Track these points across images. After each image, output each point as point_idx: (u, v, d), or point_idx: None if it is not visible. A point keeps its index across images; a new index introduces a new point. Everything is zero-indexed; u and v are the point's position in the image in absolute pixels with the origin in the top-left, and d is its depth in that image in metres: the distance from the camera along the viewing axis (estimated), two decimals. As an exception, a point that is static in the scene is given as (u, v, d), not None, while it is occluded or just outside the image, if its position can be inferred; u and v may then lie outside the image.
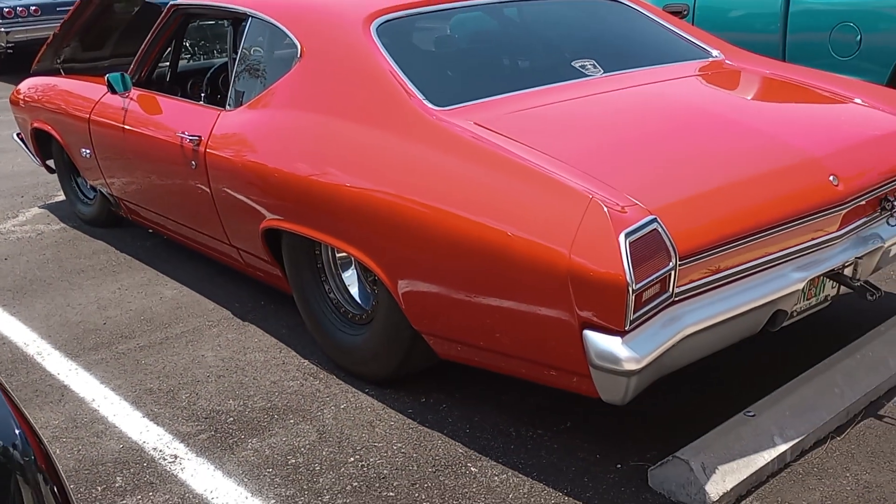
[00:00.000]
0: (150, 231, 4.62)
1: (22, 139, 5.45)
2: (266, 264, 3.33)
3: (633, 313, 2.08)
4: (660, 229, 2.16)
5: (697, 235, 2.25)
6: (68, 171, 5.13)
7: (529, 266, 2.21)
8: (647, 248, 2.11)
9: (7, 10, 10.65)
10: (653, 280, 2.11)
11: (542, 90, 2.87)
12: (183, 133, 3.49)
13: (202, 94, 4.07)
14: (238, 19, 3.60)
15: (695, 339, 2.28)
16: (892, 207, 2.72)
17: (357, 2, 3.18)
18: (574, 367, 2.24)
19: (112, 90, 3.96)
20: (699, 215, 2.31)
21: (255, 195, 3.14)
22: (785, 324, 2.60)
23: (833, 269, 2.57)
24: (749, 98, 3.15)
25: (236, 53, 3.53)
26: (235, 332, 3.52)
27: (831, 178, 2.53)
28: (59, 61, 5.23)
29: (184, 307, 3.81)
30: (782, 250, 2.46)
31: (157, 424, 2.86)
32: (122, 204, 4.46)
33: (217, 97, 4.02)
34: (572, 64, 3.07)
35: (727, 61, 3.40)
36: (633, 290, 2.04)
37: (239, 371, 3.19)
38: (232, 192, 3.27)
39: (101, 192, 4.66)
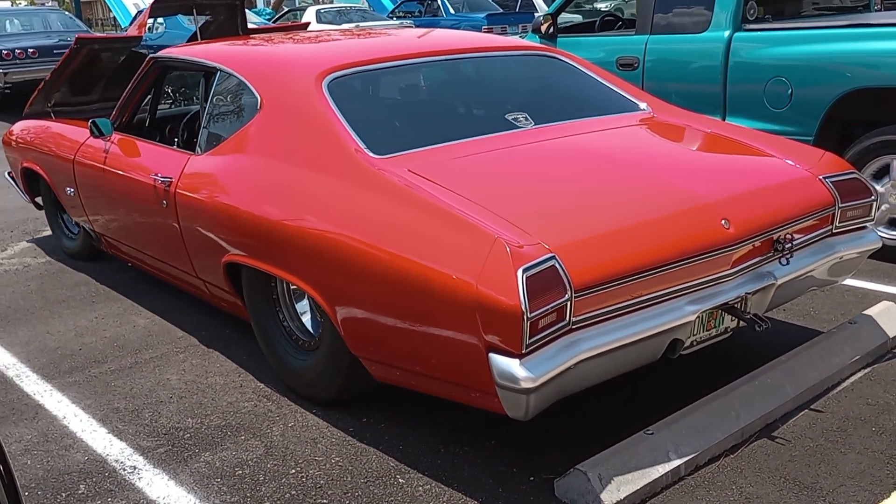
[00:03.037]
0: (130, 265, 4.92)
1: (12, 177, 5.79)
2: (228, 295, 3.63)
3: (529, 338, 2.37)
4: (557, 265, 2.46)
5: (594, 271, 2.55)
6: (54, 208, 5.45)
7: (445, 296, 2.51)
8: (543, 282, 2.41)
9: (6, 52, 11.08)
10: (548, 310, 2.40)
11: (474, 140, 3.20)
12: (156, 175, 3.81)
13: (179, 139, 4.40)
14: (209, 72, 3.95)
15: (593, 363, 2.57)
16: (784, 249, 3.03)
17: (312, 59, 3.54)
18: (485, 387, 2.52)
19: (94, 134, 4.29)
20: (598, 253, 2.61)
21: (218, 233, 3.44)
22: (685, 352, 2.89)
23: (726, 303, 2.87)
24: (662, 148, 3.48)
25: (206, 102, 3.87)
26: (200, 358, 3.80)
27: (723, 221, 2.85)
28: (49, 105, 5.58)
29: (154, 335, 4.10)
30: (677, 285, 2.76)
31: (121, 439, 3.14)
32: (102, 239, 4.77)
33: (190, 142, 4.35)
34: (505, 116, 3.40)
35: (653, 114, 3.74)
36: (527, 317, 2.34)
37: (199, 393, 3.47)
38: (198, 230, 3.58)
39: (83, 227, 4.97)
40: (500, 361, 2.41)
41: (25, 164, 5.34)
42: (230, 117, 3.71)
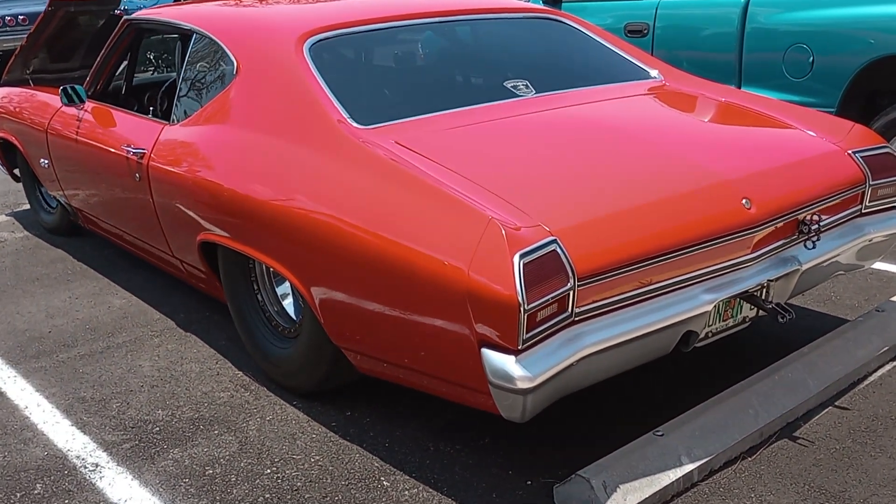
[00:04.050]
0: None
1: (-10, 148, 5.51)
2: (205, 276, 3.37)
3: (526, 333, 2.11)
4: (559, 250, 2.19)
5: (600, 256, 2.28)
6: (32, 181, 5.18)
7: (432, 282, 2.24)
8: (543, 269, 2.14)
9: (-5, 18, 10.75)
10: (548, 300, 2.14)
11: (469, 110, 2.91)
12: (129, 146, 3.54)
13: (158, 107, 4.12)
14: (185, 35, 3.66)
15: (597, 359, 2.31)
16: (810, 231, 2.75)
17: (295, 20, 3.24)
18: (477, 385, 2.26)
19: (66, 101, 4.01)
20: (604, 236, 2.33)
21: (191, 209, 3.17)
22: (699, 344, 2.63)
23: (746, 291, 2.60)
24: (675, 120, 3.19)
25: (182, 68, 3.58)
26: (176, 343, 3.55)
27: (744, 201, 2.57)
28: (28, 72, 5.29)
29: (130, 317, 3.84)
30: (692, 272, 2.49)
31: (84, 433, 2.89)
32: (79, 214, 4.51)
33: (166, 111, 4.06)
34: (504, 84, 3.11)
35: (665, 82, 3.45)
36: (524, 309, 2.07)
37: (173, 381, 3.22)
38: (172, 206, 3.31)
39: (60, 201, 4.71)
40: (493, 358, 2.15)
41: (1, 135, 5.07)
42: (206, 84, 3.42)
